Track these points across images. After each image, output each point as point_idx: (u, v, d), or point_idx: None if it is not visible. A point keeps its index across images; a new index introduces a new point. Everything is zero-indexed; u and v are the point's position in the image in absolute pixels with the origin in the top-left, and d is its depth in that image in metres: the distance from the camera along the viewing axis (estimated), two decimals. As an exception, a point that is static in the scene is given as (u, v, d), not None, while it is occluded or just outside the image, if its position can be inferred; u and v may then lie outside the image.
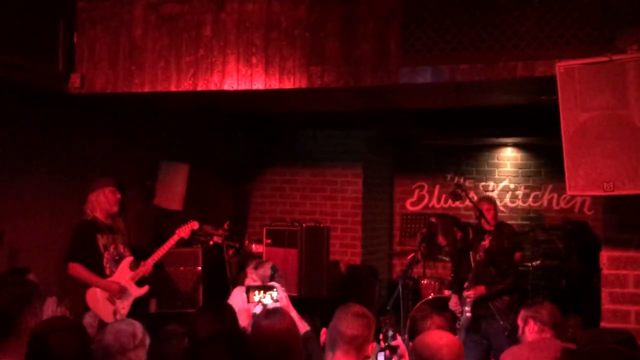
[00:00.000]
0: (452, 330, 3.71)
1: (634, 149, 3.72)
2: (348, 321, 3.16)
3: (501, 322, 5.57)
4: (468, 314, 5.52)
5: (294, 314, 4.28)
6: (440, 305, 6.44)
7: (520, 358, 3.65)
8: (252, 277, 5.43)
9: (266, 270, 5.44)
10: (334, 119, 7.91)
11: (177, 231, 6.01)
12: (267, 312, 3.50)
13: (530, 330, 3.82)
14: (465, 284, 5.60)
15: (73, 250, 5.63)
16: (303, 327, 4.12)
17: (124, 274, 5.71)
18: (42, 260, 5.88)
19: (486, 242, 5.59)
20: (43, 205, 5.98)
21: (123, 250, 5.81)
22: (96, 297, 5.59)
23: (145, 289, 5.80)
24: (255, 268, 5.52)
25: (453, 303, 5.88)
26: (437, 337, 2.96)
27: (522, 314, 3.93)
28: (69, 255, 5.64)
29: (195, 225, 6.09)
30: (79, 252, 5.59)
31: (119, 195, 5.80)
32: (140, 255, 5.91)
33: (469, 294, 5.58)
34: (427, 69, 4.77)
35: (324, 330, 3.32)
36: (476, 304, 5.57)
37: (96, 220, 5.71)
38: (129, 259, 5.78)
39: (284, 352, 3.31)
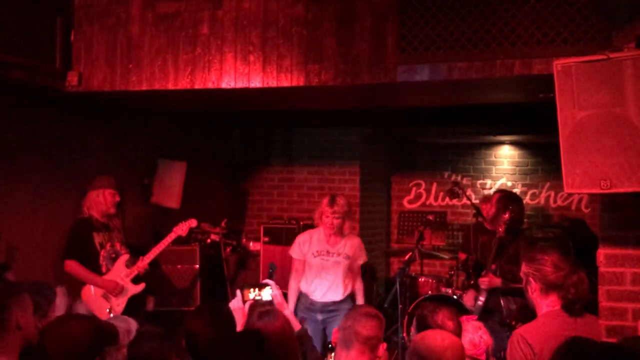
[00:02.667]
0: (459, 321, 3.63)
1: (631, 147, 3.72)
2: (363, 322, 3.24)
3: (507, 321, 5.55)
4: (480, 303, 5.53)
5: (287, 312, 4.29)
6: (439, 302, 6.45)
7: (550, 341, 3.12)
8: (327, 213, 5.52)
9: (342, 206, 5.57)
10: (331, 117, 7.92)
11: (174, 229, 6.02)
12: (261, 313, 3.50)
13: (532, 290, 3.46)
14: (483, 272, 5.63)
15: (69, 247, 5.63)
16: (296, 325, 4.13)
17: (119, 271, 5.72)
18: (40, 258, 5.89)
19: (506, 216, 5.66)
20: (40, 203, 5.98)
21: (119, 248, 5.82)
22: (91, 295, 5.60)
23: (141, 286, 5.80)
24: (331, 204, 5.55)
25: (468, 298, 5.90)
26: (440, 339, 2.92)
27: (524, 267, 3.53)
28: (65, 253, 5.65)
29: (193, 223, 6.10)
30: (75, 249, 5.60)
31: (118, 198, 5.81)
32: (138, 253, 5.92)
33: (484, 280, 5.59)
34: (424, 67, 4.77)
35: (335, 330, 3.37)
36: (489, 297, 5.57)
37: (92, 218, 5.71)
38: (125, 257, 5.79)
39: (280, 351, 3.31)
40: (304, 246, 5.67)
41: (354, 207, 8.46)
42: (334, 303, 5.57)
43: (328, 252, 5.61)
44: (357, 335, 3.21)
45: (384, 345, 3.33)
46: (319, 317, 5.50)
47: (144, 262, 5.80)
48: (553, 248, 4.68)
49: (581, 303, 3.43)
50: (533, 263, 3.49)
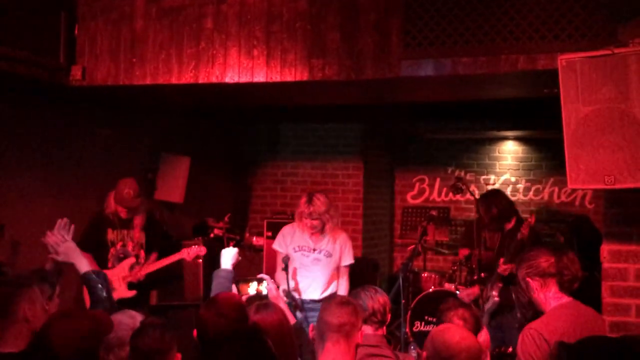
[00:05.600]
0: (478, 324, 3.51)
1: (635, 143, 3.72)
2: (333, 310, 3.16)
3: (518, 315, 5.53)
4: (496, 299, 5.50)
5: (282, 305, 4.29)
6: (442, 298, 6.45)
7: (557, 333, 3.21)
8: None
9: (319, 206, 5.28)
10: (334, 112, 7.91)
11: (182, 250, 5.95)
12: (258, 307, 3.50)
13: (534, 289, 3.46)
14: (501, 260, 5.61)
15: (83, 240, 5.64)
16: (291, 318, 4.15)
17: (120, 272, 5.74)
18: (43, 252, 5.88)
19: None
20: (44, 198, 5.99)
21: (131, 249, 5.82)
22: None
23: (131, 293, 5.77)
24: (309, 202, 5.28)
25: (468, 293, 5.91)
26: (459, 338, 2.85)
27: (518, 274, 3.58)
28: (79, 245, 5.65)
29: (202, 251, 6.00)
30: (87, 243, 5.59)
31: (138, 191, 5.79)
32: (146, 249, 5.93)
33: (505, 268, 5.56)
34: (428, 62, 4.76)
35: (311, 325, 3.32)
36: (502, 292, 5.56)
37: (111, 213, 5.76)
38: (130, 260, 5.79)
39: (278, 345, 3.31)
40: (286, 239, 5.50)
41: (357, 202, 8.48)
42: (313, 301, 5.35)
43: (309, 248, 5.43)
44: (328, 325, 3.12)
45: (363, 332, 3.23)
46: (298, 314, 5.31)
47: (142, 272, 5.80)
48: (554, 245, 4.75)
49: (578, 281, 3.47)
50: (524, 262, 3.51)
